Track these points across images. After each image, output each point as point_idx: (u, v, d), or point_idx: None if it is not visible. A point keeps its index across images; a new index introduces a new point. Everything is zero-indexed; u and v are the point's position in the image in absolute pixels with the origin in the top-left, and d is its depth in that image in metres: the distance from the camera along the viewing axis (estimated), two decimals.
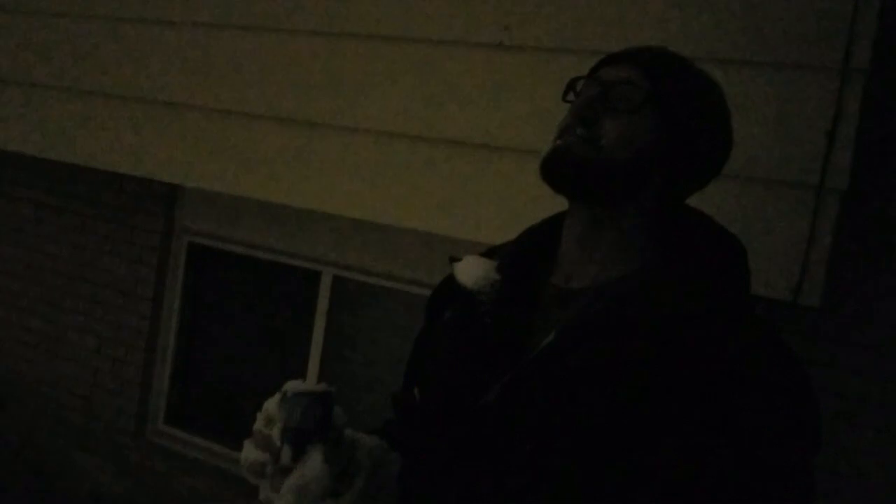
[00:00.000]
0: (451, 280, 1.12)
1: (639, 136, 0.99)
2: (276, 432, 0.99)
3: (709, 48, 1.72)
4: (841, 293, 1.93)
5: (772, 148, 1.65)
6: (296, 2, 2.31)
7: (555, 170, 1.02)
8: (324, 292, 2.91)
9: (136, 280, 3.29)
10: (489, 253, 1.14)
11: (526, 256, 1.09)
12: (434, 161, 2.07)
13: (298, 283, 2.99)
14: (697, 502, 0.88)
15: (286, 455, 0.97)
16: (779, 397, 0.91)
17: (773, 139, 1.65)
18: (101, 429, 3.38)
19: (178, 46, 2.56)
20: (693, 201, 1.12)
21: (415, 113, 2.09)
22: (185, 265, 3.27)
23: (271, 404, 1.02)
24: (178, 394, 3.32)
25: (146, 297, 3.27)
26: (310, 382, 1.02)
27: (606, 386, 0.91)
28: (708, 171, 1.07)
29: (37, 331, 3.59)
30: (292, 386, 1.01)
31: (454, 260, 1.12)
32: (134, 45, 2.66)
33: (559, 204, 1.12)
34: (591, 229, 1.04)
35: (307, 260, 2.93)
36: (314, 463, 0.97)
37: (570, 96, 1.07)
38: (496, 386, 0.97)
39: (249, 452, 1.01)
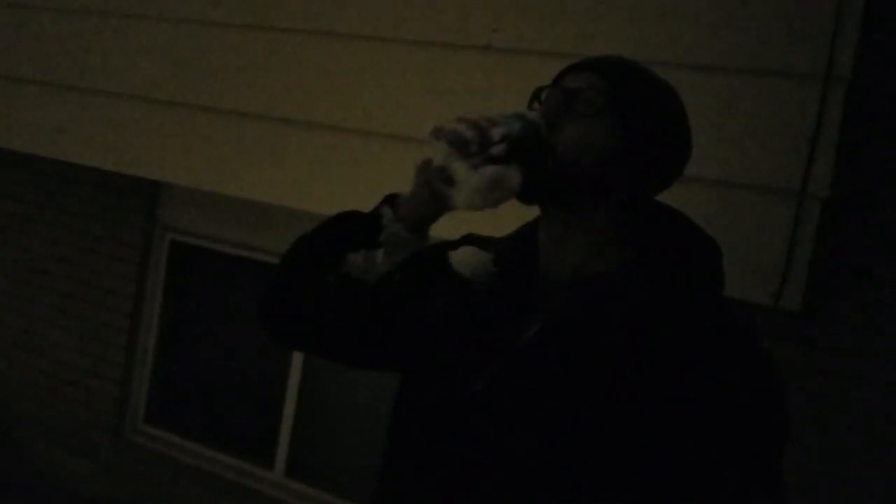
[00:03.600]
0: (441, 259, 1.14)
1: (599, 139, 1.02)
2: (496, 131, 1.01)
3: (693, 55, 1.74)
4: (822, 298, 1.94)
5: (755, 154, 1.67)
6: (292, 2, 2.31)
7: None
8: None
9: (117, 277, 3.27)
10: (482, 243, 1.16)
11: (520, 252, 1.12)
12: None
13: None
14: (668, 493, 0.94)
15: (499, 149, 1.00)
16: (747, 392, 0.96)
17: (757, 145, 1.67)
18: (79, 427, 3.35)
19: (163, 43, 2.54)
20: (676, 206, 1.13)
21: (401, 113, 2.09)
22: (167, 263, 3.25)
23: (497, 115, 1.04)
24: (157, 393, 3.30)
25: (127, 294, 3.25)
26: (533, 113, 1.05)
27: (586, 377, 0.96)
28: (669, 172, 1.10)
29: (16, 327, 3.55)
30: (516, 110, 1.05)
31: (449, 246, 1.15)
32: (119, 42, 2.64)
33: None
34: (564, 232, 1.06)
35: None
36: (515, 171, 1.00)
37: (535, 105, 1.09)
38: (484, 375, 1.01)
39: (459, 126, 1.02)
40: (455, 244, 1.17)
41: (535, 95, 1.09)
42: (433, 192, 1.05)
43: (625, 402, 0.94)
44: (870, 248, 1.95)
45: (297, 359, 2.93)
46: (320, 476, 2.92)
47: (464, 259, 1.12)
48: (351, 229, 1.13)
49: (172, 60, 2.51)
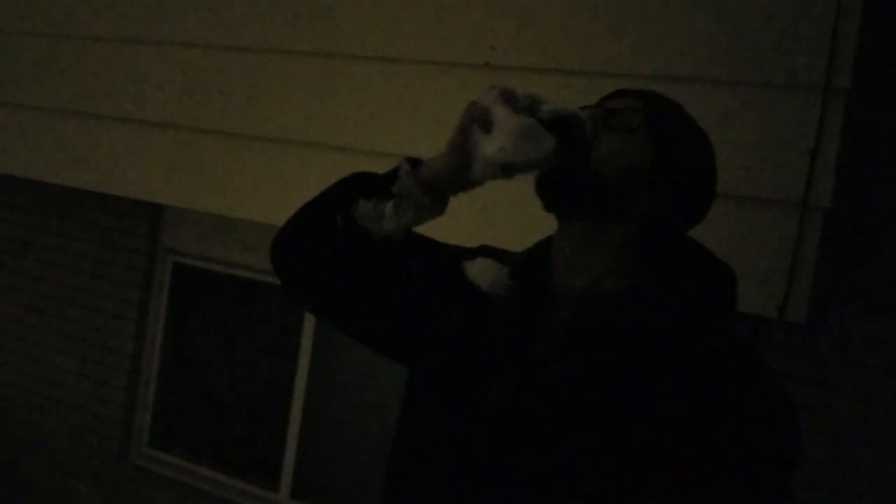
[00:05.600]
0: (456, 267, 1.15)
1: (629, 155, 1.05)
2: (547, 106, 1.04)
3: (694, 68, 1.74)
4: (825, 309, 1.94)
5: (756, 166, 1.67)
6: (289, 22, 2.32)
7: (546, 182, 1.06)
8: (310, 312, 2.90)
9: (119, 301, 3.27)
10: (498, 257, 1.17)
11: (535, 266, 1.13)
12: None
13: (285, 304, 2.98)
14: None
15: (546, 113, 1.02)
16: (757, 408, 0.98)
17: (758, 158, 1.67)
18: (84, 453, 3.34)
19: (159, 66, 2.55)
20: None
21: (402, 132, 2.10)
22: (170, 285, 3.25)
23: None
24: (162, 416, 3.29)
25: (130, 318, 3.24)
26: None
27: (598, 392, 0.98)
28: (692, 205, 1.12)
29: (18, 353, 3.55)
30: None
31: (463, 255, 1.16)
32: (116, 65, 2.65)
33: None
34: (579, 246, 1.08)
35: None
36: (551, 138, 1.00)
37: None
38: (497, 388, 1.03)
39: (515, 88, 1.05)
40: (470, 254, 1.18)
41: None
42: (464, 141, 1.04)
43: (636, 417, 0.95)
44: (872, 259, 1.95)
45: (302, 380, 2.93)
46: (325, 497, 2.90)
47: (481, 271, 1.13)
48: (369, 181, 1.15)
49: (170, 83, 2.52)
